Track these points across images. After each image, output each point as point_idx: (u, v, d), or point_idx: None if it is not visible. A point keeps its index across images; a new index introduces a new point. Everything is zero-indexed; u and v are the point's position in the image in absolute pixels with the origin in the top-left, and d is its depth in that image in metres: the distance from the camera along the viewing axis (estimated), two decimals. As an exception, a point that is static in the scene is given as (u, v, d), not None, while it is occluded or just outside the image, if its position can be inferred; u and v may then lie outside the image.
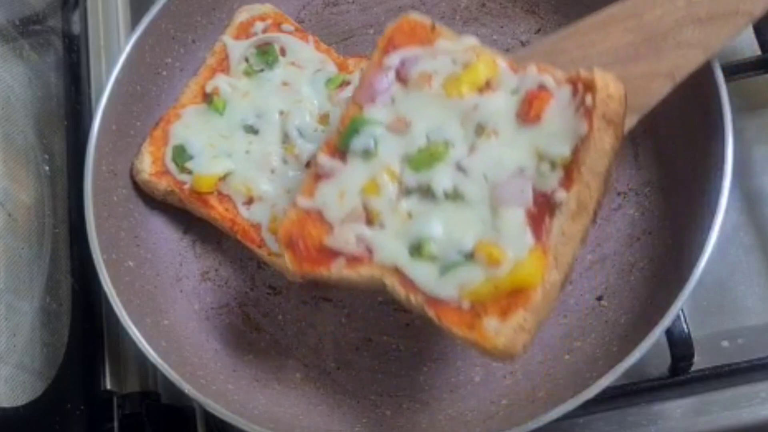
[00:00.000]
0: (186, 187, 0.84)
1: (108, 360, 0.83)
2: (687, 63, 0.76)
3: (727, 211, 0.73)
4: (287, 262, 0.71)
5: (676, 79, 0.76)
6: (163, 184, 0.85)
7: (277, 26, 0.90)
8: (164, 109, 0.91)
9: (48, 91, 0.93)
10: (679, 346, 0.78)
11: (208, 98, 0.87)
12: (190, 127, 0.86)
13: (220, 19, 0.95)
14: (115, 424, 0.81)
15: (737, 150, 0.76)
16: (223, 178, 0.84)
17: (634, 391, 0.80)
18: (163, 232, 0.88)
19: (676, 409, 0.80)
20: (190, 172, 0.84)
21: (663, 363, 0.79)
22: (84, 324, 0.84)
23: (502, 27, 0.94)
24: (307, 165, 0.82)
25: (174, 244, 0.88)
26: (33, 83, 0.90)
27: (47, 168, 0.87)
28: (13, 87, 0.87)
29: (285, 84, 0.87)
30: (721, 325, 0.84)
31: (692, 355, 0.78)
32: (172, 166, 0.85)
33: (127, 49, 0.88)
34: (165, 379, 0.76)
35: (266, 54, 0.89)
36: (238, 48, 0.89)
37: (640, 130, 0.86)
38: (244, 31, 0.90)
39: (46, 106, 0.91)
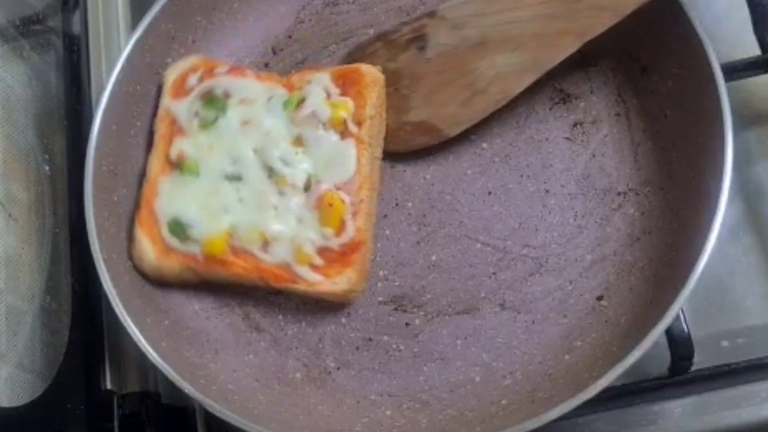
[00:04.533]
0: (198, 257, 0.81)
1: (108, 360, 0.83)
2: (598, 24, 0.80)
3: (727, 211, 0.74)
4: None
5: (585, 37, 0.81)
6: (175, 263, 0.81)
7: (211, 72, 0.87)
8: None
9: (48, 91, 0.93)
10: (679, 345, 0.78)
11: (176, 165, 0.84)
12: (174, 197, 0.83)
13: (220, 19, 0.95)
14: (115, 423, 0.81)
15: (737, 150, 0.76)
16: (230, 233, 0.81)
17: (634, 391, 0.80)
18: (163, 232, 0.88)
19: (675, 408, 0.80)
20: (195, 241, 0.81)
21: (663, 363, 0.79)
22: (84, 324, 0.84)
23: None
24: (307, 188, 0.81)
25: (174, 244, 0.88)
26: (33, 83, 0.90)
27: (47, 168, 0.87)
28: (13, 87, 0.87)
29: (245, 123, 0.84)
30: (721, 324, 0.84)
31: (692, 355, 0.78)
32: (174, 242, 0.81)
33: (127, 49, 0.88)
34: (165, 379, 0.76)
35: (213, 102, 0.85)
36: (181, 107, 0.86)
37: (640, 130, 0.87)
38: (181, 89, 0.87)
39: (47, 106, 0.91)
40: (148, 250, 0.82)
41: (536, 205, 0.86)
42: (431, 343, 0.82)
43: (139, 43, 0.88)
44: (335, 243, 0.80)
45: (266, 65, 0.95)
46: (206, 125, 0.85)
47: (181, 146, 0.84)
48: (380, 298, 0.84)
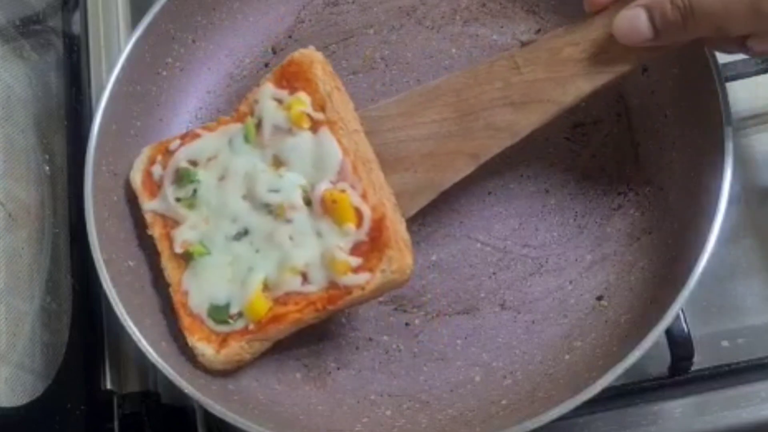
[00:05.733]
0: (251, 327, 0.77)
1: (108, 360, 0.83)
2: (492, 145, 0.78)
3: (727, 210, 0.73)
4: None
5: (480, 159, 0.78)
6: (235, 347, 0.77)
7: (167, 153, 0.84)
8: (165, 109, 0.91)
9: (48, 91, 0.93)
10: (679, 345, 0.78)
11: (187, 256, 0.81)
12: (201, 287, 0.79)
13: (221, 19, 0.95)
14: (115, 423, 0.81)
15: (737, 150, 0.76)
16: (266, 287, 0.77)
17: (634, 391, 0.80)
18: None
19: (676, 408, 0.80)
20: (239, 315, 0.78)
21: (663, 363, 0.79)
22: (84, 324, 0.84)
23: (502, 27, 0.94)
24: (308, 203, 0.78)
25: (174, 244, 0.88)
26: (33, 83, 0.90)
27: (47, 168, 0.87)
28: (13, 87, 0.87)
29: (221, 178, 0.81)
30: (721, 324, 0.84)
31: (692, 355, 0.78)
32: (223, 327, 0.78)
33: (127, 49, 0.88)
34: (165, 379, 0.76)
35: (183, 179, 0.82)
36: (161, 203, 0.83)
37: (640, 131, 0.87)
38: (152, 187, 0.84)
39: (47, 106, 0.91)
40: (207, 351, 0.78)
41: (536, 205, 0.86)
42: (431, 343, 0.82)
43: (139, 42, 0.88)
44: (362, 234, 0.76)
45: (266, 65, 0.95)
46: (191, 203, 0.82)
47: (182, 237, 0.81)
48: (380, 298, 0.84)
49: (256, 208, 0.79)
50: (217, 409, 0.73)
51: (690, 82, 0.81)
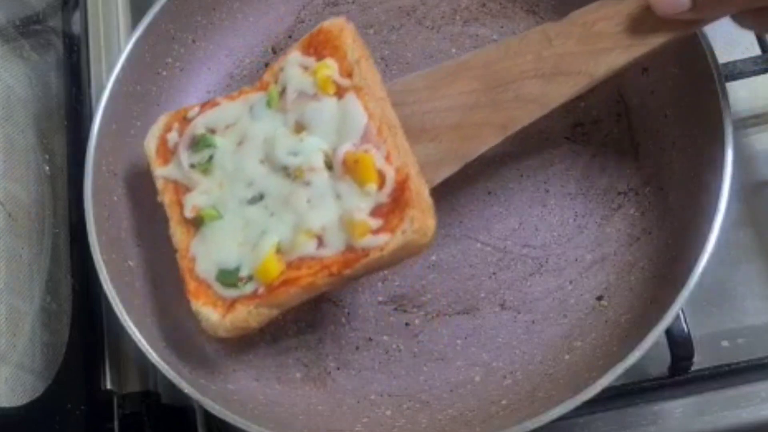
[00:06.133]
0: (261, 291, 0.75)
1: (108, 360, 0.83)
2: (521, 116, 0.77)
3: (727, 210, 0.73)
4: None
5: (508, 130, 0.77)
6: (242, 312, 0.75)
7: (184, 120, 0.83)
8: (164, 109, 0.91)
9: (48, 91, 0.93)
10: (679, 345, 0.78)
11: (197, 221, 0.79)
12: (210, 252, 0.78)
13: (221, 19, 0.95)
14: (115, 423, 0.81)
15: (737, 150, 0.76)
16: (279, 250, 0.75)
17: (634, 391, 0.80)
18: (163, 232, 0.88)
19: (676, 408, 0.80)
20: (249, 277, 0.75)
21: (663, 363, 0.79)
22: (84, 324, 0.84)
23: (502, 27, 0.94)
24: (329, 167, 0.76)
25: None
26: (33, 83, 0.90)
27: (47, 168, 0.87)
28: (13, 87, 0.87)
29: (239, 144, 0.80)
30: (721, 324, 0.84)
31: (692, 355, 0.78)
32: (231, 292, 0.76)
33: (127, 49, 0.88)
34: (165, 379, 0.76)
35: (200, 144, 0.81)
36: (174, 168, 0.82)
37: (640, 130, 0.87)
38: (166, 153, 0.83)
39: (47, 106, 0.91)
40: (212, 317, 0.75)
41: (536, 205, 0.86)
42: (431, 343, 0.82)
43: (139, 42, 0.89)
44: (383, 196, 0.74)
45: (266, 65, 0.95)
46: (206, 168, 0.80)
47: (193, 201, 0.80)
48: (380, 298, 0.84)
49: (274, 171, 0.78)
50: (217, 409, 0.73)
51: (690, 82, 0.81)
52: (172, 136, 0.83)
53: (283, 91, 0.80)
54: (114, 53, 0.96)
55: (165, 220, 0.89)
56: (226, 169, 0.80)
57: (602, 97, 0.88)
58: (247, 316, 0.75)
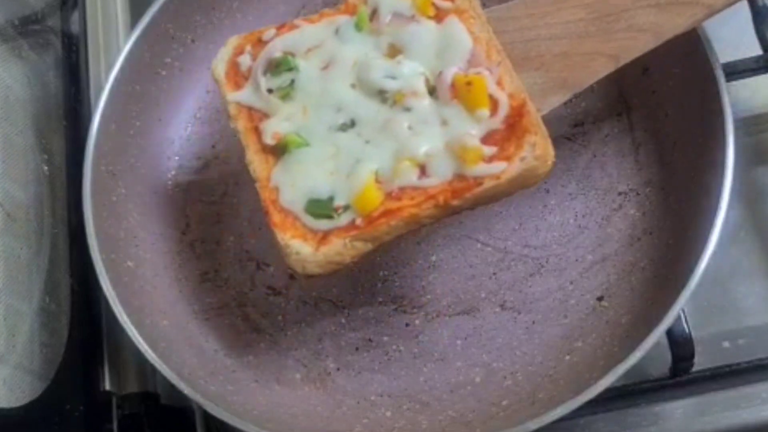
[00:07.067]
0: (359, 222, 0.70)
1: (107, 361, 0.83)
2: (635, 47, 0.74)
3: (728, 211, 0.73)
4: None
5: (619, 61, 0.75)
6: (338, 245, 0.70)
7: (258, 43, 0.79)
8: (164, 109, 0.91)
9: (47, 90, 0.92)
10: (680, 346, 0.77)
11: (279, 149, 0.74)
12: (297, 181, 0.73)
13: (220, 18, 0.94)
14: (114, 424, 0.81)
15: (738, 150, 0.75)
16: (378, 179, 0.71)
17: (635, 392, 0.80)
18: (162, 233, 0.88)
19: (676, 409, 0.80)
20: (345, 207, 0.71)
21: (664, 363, 0.79)
22: (83, 324, 0.84)
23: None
24: (431, 91, 0.72)
25: (173, 244, 0.88)
26: (32, 83, 0.90)
27: (46, 168, 0.87)
28: (12, 87, 0.87)
29: (325, 68, 0.76)
30: (722, 325, 0.84)
31: (693, 356, 0.78)
32: (324, 224, 0.71)
33: (127, 48, 0.88)
34: (164, 379, 0.75)
35: (280, 67, 0.77)
36: (249, 93, 0.77)
37: (641, 130, 0.86)
38: (238, 77, 0.79)
39: (45, 105, 0.91)
40: (304, 250, 0.71)
41: (536, 205, 0.85)
42: (431, 343, 0.82)
43: (138, 42, 0.88)
44: (496, 122, 0.70)
45: (266, 65, 0.95)
46: (287, 93, 0.76)
47: (273, 128, 0.75)
48: (380, 299, 0.84)
49: (368, 96, 0.74)
50: (217, 409, 0.73)
51: (691, 82, 0.81)
52: (245, 59, 0.79)
53: (373, 13, 0.76)
54: (113, 53, 0.96)
55: (163, 221, 0.89)
56: (310, 94, 0.75)
57: (603, 97, 0.88)
58: (343, 249, 0.70)
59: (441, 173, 0.69)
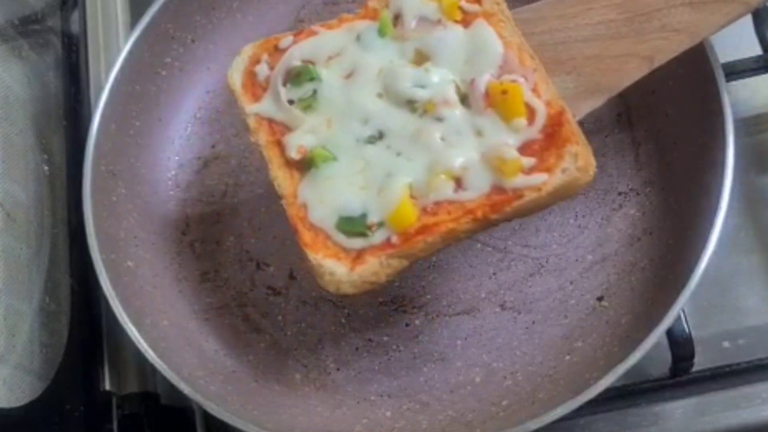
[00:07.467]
0: (394, 240, 0.67)
1: (107, 361, 0.83)
2: (669, 47, 0.72)
3: (728, 211, 0.73)
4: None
5: (654, 63, 0.73)
6: (374, 263, 0.67)
7: (276, 51, 0.76)
8: (164, 109, 0.91)
9: (47, 90, 0.92)
10: (680, 346, 0.77)
11: (304, 164, 0.71)
12: (326, 197, 0.70)
13: (220, 18, 0.94)
14: (114, 424, 0.81)
15: (738, 150, 0.75)
16: (412, 194, 0.68)
17: (635, 392, 0.80)
18: (162, 233, 0.88)
19: (676, 409, 0.80)
20: (379, 225, 0.68)
21: (664, 363, 0.79)
22: (83, 324, 0.84)
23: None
24: (463, 100, 0.69)
25: (173, 244, 0.88)
26: (32, 83, 0.90)
27: (46, 168, 0.87)
28: (12, 87, 0.87)
29: (348, 76, 0.72)
30: (722, 325, 0.84)
31: (693, 356, 0.78)
32: (357, 242, 0.68)
33: (127, 48, 0.88)
34: (164, 379, 0.75)
35: (301, 77, 0.74)
36: (269, 104, 0.74)
37: (641, 130, 0.86)
38: (255, 87, 0.75)
39: (45, 105, 0.91)
40: (338, 270, 0.68)
41: (537, 206, 0.85)
42: (431, 343, 0.82)
43: (138, 42, 0.88)
44: (534, 131, 0.68)
45: (266, 65, 0.95)
46: (309, 105, 0.73)
47: (297, 142, 0.71)
48: (380, 299, 0.84)
49: (396, 106, 0.71)
50: (216, 409, 0.73)
51: (691, 82, 0.81)
52: (262, 69, 0.75)
53: (396, 18, 0.74)
54: (113, 53, 0.96)
55: (163, 221, 0.89)
56: (334, 105, 0.72)
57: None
58: (378, 267, 0.67)
59: (478, 186, 0.67)
